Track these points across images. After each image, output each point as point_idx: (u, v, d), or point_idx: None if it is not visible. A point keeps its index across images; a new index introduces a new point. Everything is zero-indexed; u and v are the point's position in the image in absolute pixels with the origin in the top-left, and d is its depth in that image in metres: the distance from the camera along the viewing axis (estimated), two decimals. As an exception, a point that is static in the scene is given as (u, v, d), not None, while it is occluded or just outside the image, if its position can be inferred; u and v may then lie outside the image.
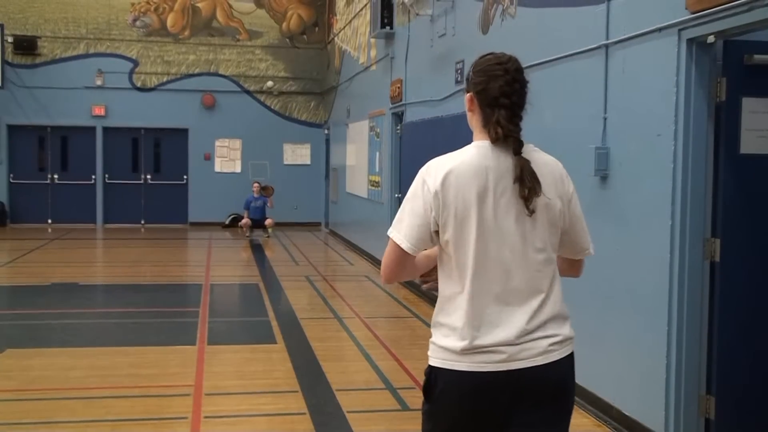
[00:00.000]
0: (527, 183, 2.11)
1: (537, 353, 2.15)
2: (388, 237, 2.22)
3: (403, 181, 9.67)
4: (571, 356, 2.24)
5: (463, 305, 2.16)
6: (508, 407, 2.16)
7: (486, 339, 2.14)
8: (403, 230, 2.18)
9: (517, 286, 2.16)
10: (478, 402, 2.15)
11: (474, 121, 2.28)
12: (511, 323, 2.15)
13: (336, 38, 15.85)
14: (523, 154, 2.15)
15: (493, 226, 2.14)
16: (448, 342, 2.17)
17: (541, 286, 2.19)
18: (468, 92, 2.32)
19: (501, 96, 2.21)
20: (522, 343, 2.15)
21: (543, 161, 2.21)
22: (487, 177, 2.14)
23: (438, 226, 2.17)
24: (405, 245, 2.17)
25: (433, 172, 2.17)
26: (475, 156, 2.17)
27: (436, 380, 2.19)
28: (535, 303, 2.17)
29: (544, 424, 2.18)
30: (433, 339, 2.24)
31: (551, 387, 2.17)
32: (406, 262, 2.22)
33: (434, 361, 2.21)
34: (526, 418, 2.16)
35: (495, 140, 2.16)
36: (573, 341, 2.25)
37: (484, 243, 2.14)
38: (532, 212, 2.12)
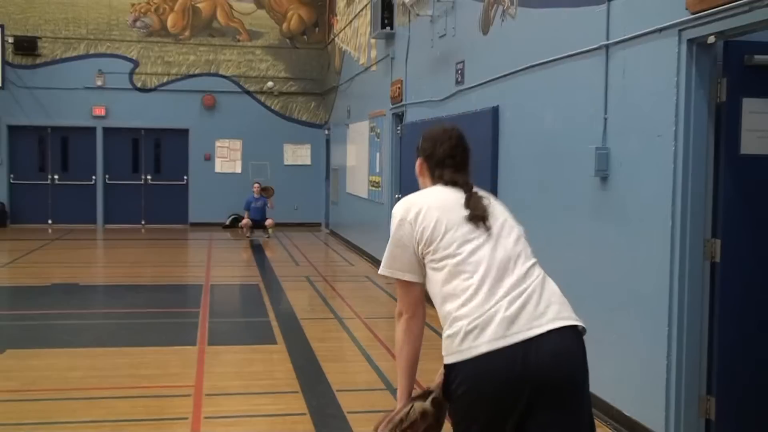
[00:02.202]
0: (493, 216, 2.49)
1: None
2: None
3: (403, 181, 9.68)
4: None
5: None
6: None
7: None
8: (396, 265, 2.50)
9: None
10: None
11: (426, 183, 2.67)
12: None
13: (336, 39, 15.85)
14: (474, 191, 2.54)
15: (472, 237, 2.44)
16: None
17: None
18: (418, 158, 2.70)
19: (446, 158, 2.59)
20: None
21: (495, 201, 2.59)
22: (448, 203, 2.50)
23: (422, 251, 2.46)
24: (406, 277, 2.48)
25: (403, 208, 2.53)
26: (433, 191, 2.57)
27: None
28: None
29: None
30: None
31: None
32: (413, 291, 2.48)
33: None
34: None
35: (444, 185, 2.56)
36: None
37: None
38: (489, 228, 2.45)
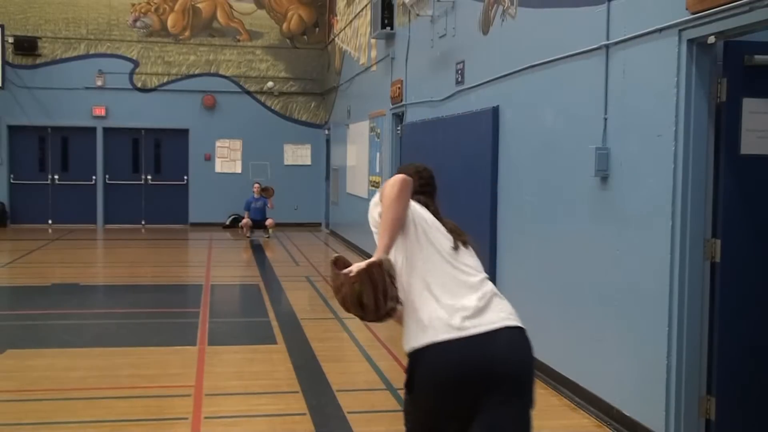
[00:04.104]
0: (461, 235, 2.78)
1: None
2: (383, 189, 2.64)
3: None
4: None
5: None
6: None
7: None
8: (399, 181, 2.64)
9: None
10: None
11: None
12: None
13: (336, 39, 15.86)
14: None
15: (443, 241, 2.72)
16: None
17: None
18: None
19: (417, 192, 2.79)
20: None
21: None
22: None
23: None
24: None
25: None
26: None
27: None
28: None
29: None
30: None
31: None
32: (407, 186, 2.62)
33: None
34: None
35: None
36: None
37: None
38: (458, 248, 2.72)
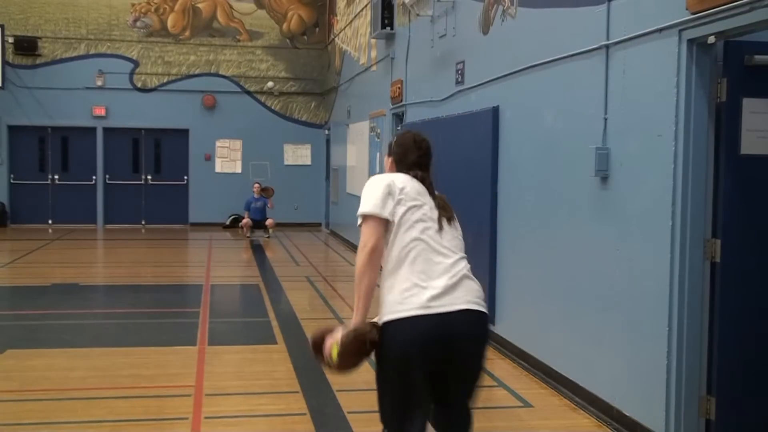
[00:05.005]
0: (447, 212, 3.13)
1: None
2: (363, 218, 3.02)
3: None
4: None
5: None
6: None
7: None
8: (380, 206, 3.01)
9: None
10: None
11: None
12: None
13: (336, 39, 15.86)
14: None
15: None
16: None
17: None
18: (389, 156, 3.29)
19: (414, 164, 3.19)
20: None
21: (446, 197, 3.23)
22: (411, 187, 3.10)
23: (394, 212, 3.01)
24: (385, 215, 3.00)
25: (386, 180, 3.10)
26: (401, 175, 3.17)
27: None
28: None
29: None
30: None
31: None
32: (382, 228, 2.99)
33: None
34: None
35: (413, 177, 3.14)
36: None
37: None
38: (441, 227, 3.07)
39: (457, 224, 3.16)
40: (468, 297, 2.97)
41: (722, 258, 4.06)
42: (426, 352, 2.89)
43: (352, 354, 2.95)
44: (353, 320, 2.95)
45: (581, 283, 5.14)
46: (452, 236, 3.08)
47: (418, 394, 2.96)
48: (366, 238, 2.96)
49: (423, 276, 2.93)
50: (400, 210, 3.00)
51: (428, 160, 3.24)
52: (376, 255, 2.95)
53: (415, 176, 3.13)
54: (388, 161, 3.31)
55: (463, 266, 3.03)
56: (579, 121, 5.20)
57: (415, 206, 3.02)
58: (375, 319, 3.01)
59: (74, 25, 16.88)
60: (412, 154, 3.20)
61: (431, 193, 3.14)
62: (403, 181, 3.08)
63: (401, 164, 3.22)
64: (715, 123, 4.07)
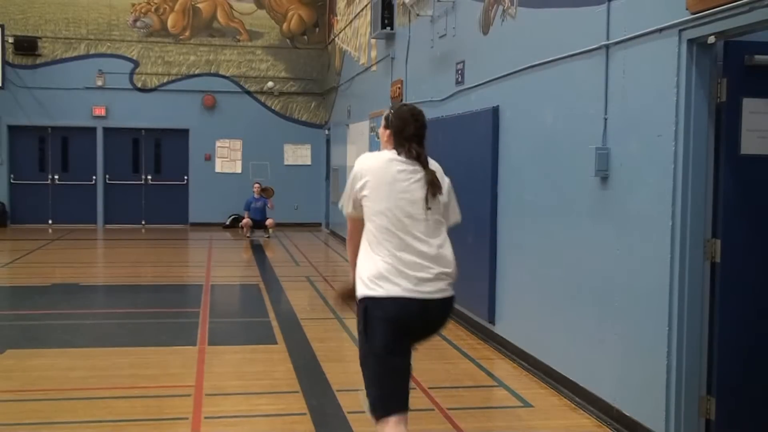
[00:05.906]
0: (435, 187, 3.27)
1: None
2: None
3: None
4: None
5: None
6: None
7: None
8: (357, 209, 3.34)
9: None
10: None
11: (388, 146, 3.38)
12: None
13: (336, 39, 15.86)
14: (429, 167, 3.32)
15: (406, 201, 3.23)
16: None
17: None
18: (387, 129, 3.39)
19: (413, 136, 3.31)
20: None
21: (440, 172, 3.38)
22: (396, 169, 3.27)
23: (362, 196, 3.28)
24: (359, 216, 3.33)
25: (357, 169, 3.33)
26: (388, 155, 3.32)
27: None
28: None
29: None
30: None
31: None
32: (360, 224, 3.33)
33: None
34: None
35: (408, 156, 3.27)
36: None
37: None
38: (429, 207, 3.25)
39: (443, 198, 3.32)
40: (441, 285, 3.23)
41: (722, 258, 4.06)
42: (402, 324, 3.22)
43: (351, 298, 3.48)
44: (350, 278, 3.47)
45: (581, 283, 5.14)
46: (435, 221, 3.27)
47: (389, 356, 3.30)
48: (350, 228, 3.47)
49: (400, 261, 3.18)
50: (365, 202, 3.26)
51: (424, 131, 3.35)
52: (352, 240, 3.43)
53: (409, 153, 3.27)
54: (385, 134, 3.39)
55: (435, 252, 3.22)
56: (579, 121, 5.20)
57: (378, 197, 3.22)
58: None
59: (74, 25, 16.89)
60: (409, 127, 3.30)
61: (424, 167, 3.27)
62: (373, 169, 3.26)
63: (399, 137, 3.31)
64: (715, 123, 4.07)
